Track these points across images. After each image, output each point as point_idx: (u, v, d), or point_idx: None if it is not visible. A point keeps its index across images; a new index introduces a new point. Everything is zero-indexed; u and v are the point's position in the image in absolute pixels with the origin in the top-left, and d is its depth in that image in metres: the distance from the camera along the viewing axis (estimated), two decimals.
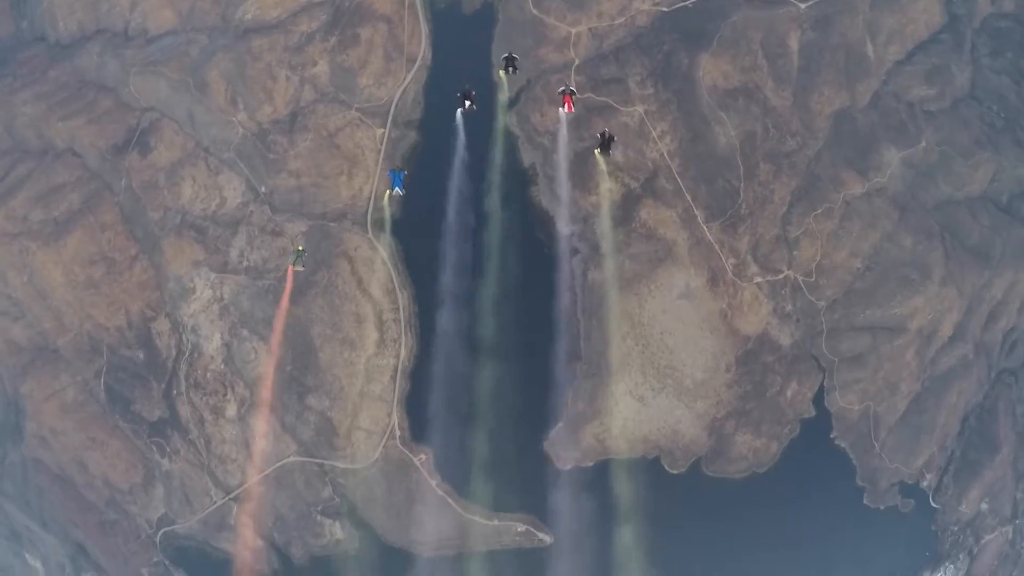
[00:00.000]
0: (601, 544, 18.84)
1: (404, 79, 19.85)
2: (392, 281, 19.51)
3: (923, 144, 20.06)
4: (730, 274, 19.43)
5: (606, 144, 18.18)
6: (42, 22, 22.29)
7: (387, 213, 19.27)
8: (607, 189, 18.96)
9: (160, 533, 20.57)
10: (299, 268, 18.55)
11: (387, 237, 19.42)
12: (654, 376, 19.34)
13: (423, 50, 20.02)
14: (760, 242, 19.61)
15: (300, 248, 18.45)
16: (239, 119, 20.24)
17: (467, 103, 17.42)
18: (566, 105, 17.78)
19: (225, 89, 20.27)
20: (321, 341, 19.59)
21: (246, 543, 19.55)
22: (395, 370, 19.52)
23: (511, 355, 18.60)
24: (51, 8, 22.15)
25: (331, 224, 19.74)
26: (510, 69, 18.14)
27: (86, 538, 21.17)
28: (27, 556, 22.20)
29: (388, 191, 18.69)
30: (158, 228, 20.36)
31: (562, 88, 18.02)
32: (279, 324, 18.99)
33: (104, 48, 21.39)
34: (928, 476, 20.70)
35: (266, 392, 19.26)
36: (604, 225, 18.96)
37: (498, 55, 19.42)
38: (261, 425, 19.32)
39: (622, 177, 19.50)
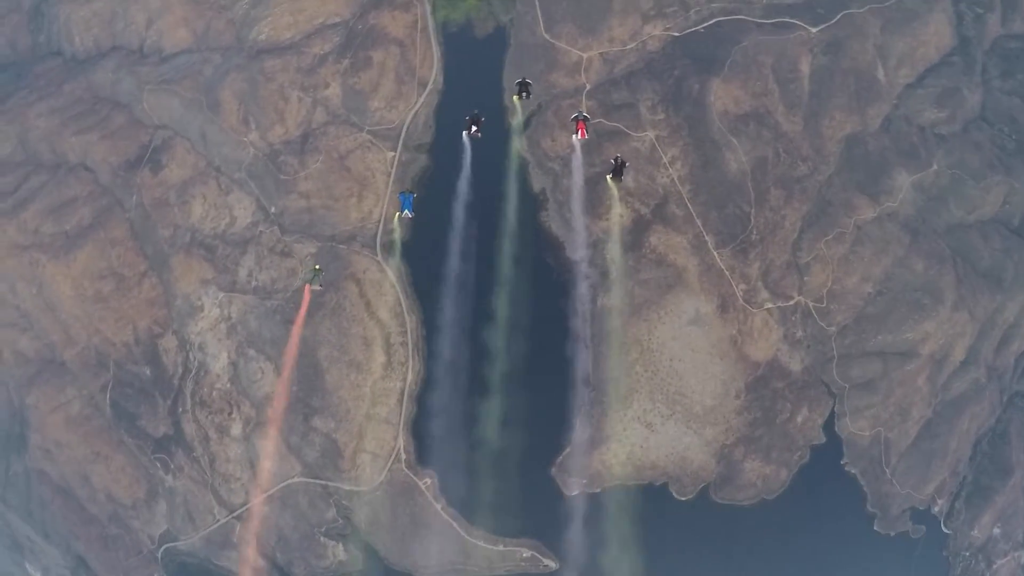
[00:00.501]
0: (607, 570, 18.49)
1: (415, 102, 19.85)
2: (400, 304, 19.36)
3: (934, 167, 19.92)
4: (740, 300, 19.22)
5: (618, 170, 17.97)
6: (59, 37, 22.45)
7: (397, 236, 19.09)
8: (618, 215, 18.69)
9: (162, 549, 20.36)
10: (316, 287, 18.33)
11: (396, 260, 19.20)
12: (663, 402, 19.06)
13: (435, 74, 20.01)
14: (771, 268, 19.43)
15: (317, 267, 18.32)
16: (251, 139, 20.21)
17: (473, 128, 17.15)
18: (579, 132, 17.58)
19: (237, 109, 20.29)
20: (328, 363, 19.43)
21: (248, 562, 19.16)
22: (402, 393, 19.30)
23: (519, 380, 18.36)
24: (68, 24, 22.29)
25: (340, 246, 19.65)
26: (523, 94, 18.01)
27: (87, 551, 20.97)
28: (28, 566, 22.01)
29: (398, 213, 18.53)
30: (168, 245, 20.31)
31: (575, 115, 17.85)
32: (294, 342, 18.65)
33: (119, 65, 21.51)
34: (940, 502, 20.37)
35: (277, 411, 18.85)
36: (614, 251, 18.74)
37: (510, 80, 19.47)
38: (268, 445, 18.95)
39: (632, 203, 19.39)
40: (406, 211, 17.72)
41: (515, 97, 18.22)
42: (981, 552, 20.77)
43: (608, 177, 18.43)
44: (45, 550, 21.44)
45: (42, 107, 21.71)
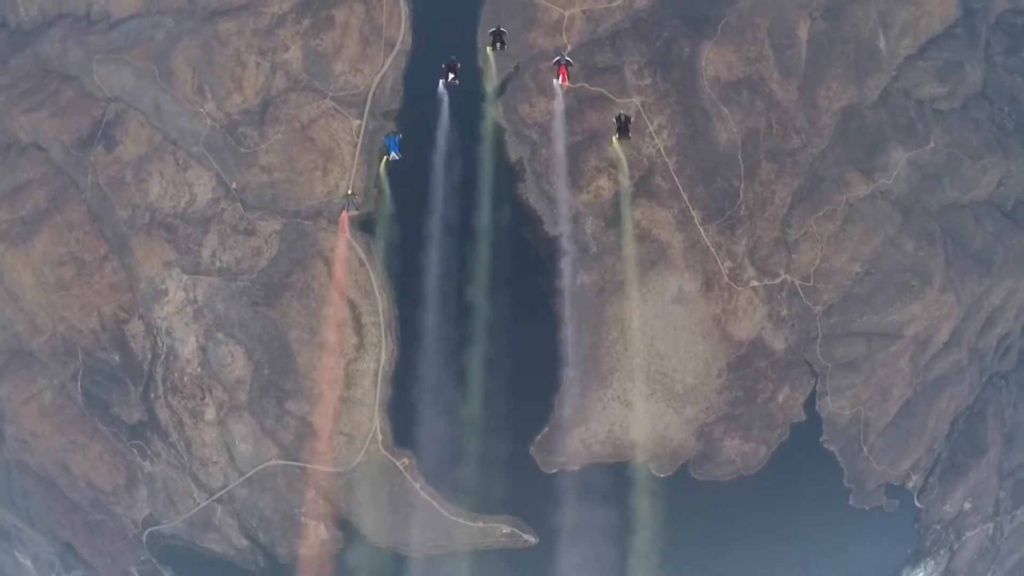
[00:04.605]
0: (586, 546, 17.65)
1: (382, 65, 17.62)
2: (371, 283, 17.48)
3: (931, 145, 18.29)
4: (726, 278, 17.75)
5: (623, 128, 15.53)
6: (2, 7, 19.84)
7: (383, 183, 16.41)
8: (626, 178, 16.37)
9: (146, 533, 19.40)
10: (352, 212, 16.44)
11: (383, 232, 16.69)
12: (643, 381, 17.94)
13: (403, 33, 17.73)
14: (758, 245, 17.89)
15: (350, 192, 16.33)
16: (207, 110, 18.06)
17: (451, 76, 15.00)
18: (560, 77, 15.19)
19: (192, 77, 18.03)
20: (299, 346, 17.97)
21: (312, 545, 17.17)
22: (376, 374, 17.95)
23: (496, 358, 17.06)
24: None
25: (306, 222, 17.84)
26: (497, 45, 15.59)
27: (73, 537, 20.05)
28: (17, 554, 21.14)
29: (384, 157, 16.30)
30: (127, 227, 18.42)
31: (557, 58, 15.50)
32: (339, 276, 16.26)
33: (66, 34, 19.09)
34: (914, 477, 19.70)
35: (330, 373, 16.38)
36: (627, 223, 16.50)
37: (484, 40, 17.04)
38: (328, 411, 16.63)
39: (615, 174, 17.29)
40: (392, 153, 15.56)
41: (488, 48, 15.92)
42: (952, 525, 20.29)
43: (614, 138, 16.12)
44: (32, 538, 20.49)
45: None
